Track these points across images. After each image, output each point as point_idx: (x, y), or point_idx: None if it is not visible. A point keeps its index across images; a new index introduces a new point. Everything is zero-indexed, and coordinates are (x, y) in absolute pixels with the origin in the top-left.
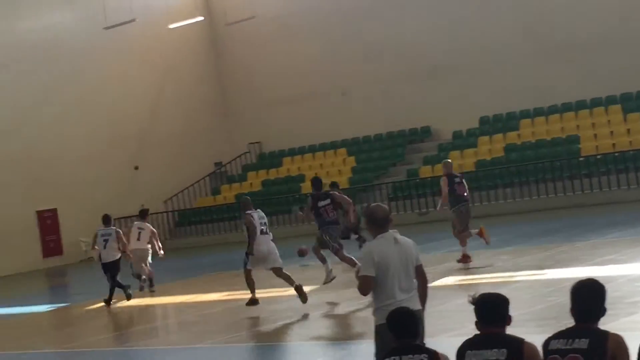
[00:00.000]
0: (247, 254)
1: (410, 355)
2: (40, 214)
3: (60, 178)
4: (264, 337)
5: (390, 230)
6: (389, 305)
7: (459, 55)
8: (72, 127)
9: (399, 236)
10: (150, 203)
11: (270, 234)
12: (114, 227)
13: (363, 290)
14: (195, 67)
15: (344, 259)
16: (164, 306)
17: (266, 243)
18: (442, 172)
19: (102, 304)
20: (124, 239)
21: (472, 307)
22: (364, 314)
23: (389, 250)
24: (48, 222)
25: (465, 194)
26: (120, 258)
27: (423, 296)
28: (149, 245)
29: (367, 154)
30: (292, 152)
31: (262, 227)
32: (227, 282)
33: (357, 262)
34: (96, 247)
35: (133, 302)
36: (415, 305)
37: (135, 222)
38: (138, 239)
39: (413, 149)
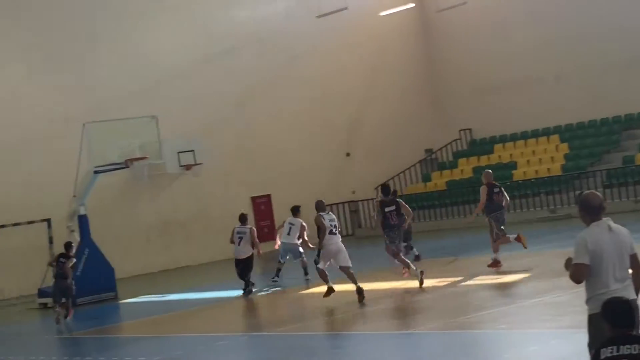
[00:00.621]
0: (318, 251)
1: (628, 346)
2: (254, 200)
3: (274, 165)
4: (475, 324)
5: (604, 219)
6: (602, 294)
7: None
8: (286, 114)
9: (613, 224)
10: (360, 189)
11: (339, 235)
12: (249, 226)
13: (576, 278)
14: (406, 54)
15: (401, 261)
16: (376, 292)
17: (335, 243)
18: (483, 182)
19: (303, 291)
20: (257, 238)
21: None
22: (576, 302)
23: (603, 238)
24: (262, 208)
25: (503, 203)
26: (252, 255)
27: (638, 286)
28: (299, 241)
29: (581, 141)
30: (504, 139)
31: (332, 228)
32: (440, 269)
33: (411, 265)
34: (233, 243)
35: (345, 287)
36: (630, 294)
37: (288, 218)
38: (288, 234)
39: (629, 135)
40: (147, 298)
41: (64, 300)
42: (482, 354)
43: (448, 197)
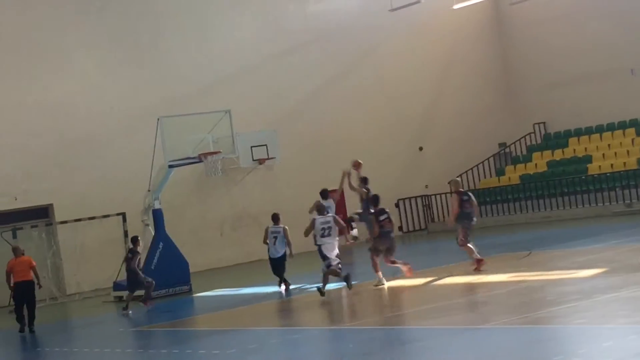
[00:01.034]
0: (319, 250)
1: None
2: (330, 194)
3: (346, 159)
4: (549, 319)
5: None
6: None
7: None
8: (359, 108)
9: None
10: (433, 184)
11: (334, 236)
12: (282, 226)
13: None
14: (480, 47)
15: (399, 263)
16: (448, 286)
17: (329, 243)
18: (452, 190)
19: (391, 283)
20: (289, 238)
21: None
22: None
23: None
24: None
25: (472, 210)
26: (285, 253)
27: None
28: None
29: None
30: (578, 132)
31: (322, 232)
32: (514, 263)
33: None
34: (267, 242)
35: (416, 281)
36: None
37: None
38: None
39: None
40: (221, 292)
41: (137, 293)
42: (556, 349)
43: (522, 192)
